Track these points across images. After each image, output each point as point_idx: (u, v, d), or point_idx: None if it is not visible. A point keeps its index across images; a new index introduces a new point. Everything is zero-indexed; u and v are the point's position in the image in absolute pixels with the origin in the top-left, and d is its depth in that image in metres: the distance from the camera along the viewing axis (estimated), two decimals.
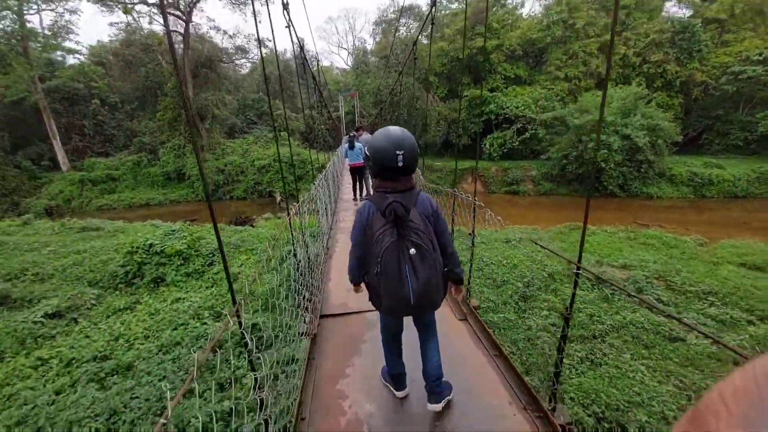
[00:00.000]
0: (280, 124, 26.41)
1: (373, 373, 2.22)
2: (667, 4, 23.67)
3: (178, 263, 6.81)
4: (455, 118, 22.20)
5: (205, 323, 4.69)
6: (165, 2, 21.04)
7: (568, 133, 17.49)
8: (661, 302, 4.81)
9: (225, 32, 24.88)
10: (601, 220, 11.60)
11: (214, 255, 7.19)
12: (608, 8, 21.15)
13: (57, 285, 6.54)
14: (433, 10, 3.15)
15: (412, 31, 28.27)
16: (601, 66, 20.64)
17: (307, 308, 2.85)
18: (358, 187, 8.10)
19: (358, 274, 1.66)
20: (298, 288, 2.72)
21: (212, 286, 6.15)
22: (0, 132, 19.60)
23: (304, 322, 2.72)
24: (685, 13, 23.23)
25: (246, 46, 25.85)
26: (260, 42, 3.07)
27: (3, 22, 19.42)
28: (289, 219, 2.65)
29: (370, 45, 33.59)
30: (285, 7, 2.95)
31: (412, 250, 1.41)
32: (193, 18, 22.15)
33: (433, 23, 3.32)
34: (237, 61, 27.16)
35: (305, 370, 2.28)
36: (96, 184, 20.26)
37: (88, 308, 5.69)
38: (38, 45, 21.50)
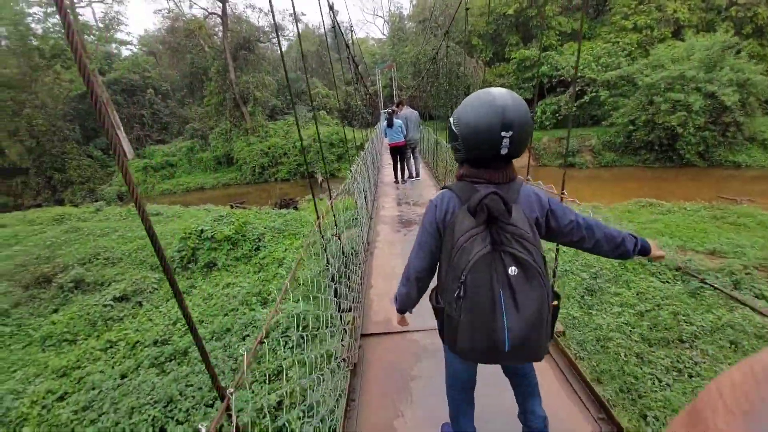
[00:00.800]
0: (319, 102, 26.35)
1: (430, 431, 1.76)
2: None
3: (228, 248, 7.05)
4: (502, 85, 20.44)
5: (253, 309, 4.77)
6: None
7: (637, 94, 15.28)
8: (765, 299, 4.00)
9: (260, 10, 24.76)
10: (674, 194, 10.13)
11: (259, 240, 7.36)
12: None
13: (124, 269, 7.12)
14: None
15: None
16: (680, 10, 17.49)
17: (344, 328, 2.28)
18: (399, 168, 7.49)
19: (415, 296, 1.19)
20: (332, 301, 2.23)
21: (259, 271, 6.28)
22: (71, 124, 21.66)
23: (341, 342, 2.17)
24: None
25: (281, 23, 25.59)
26: (296, 17, 2.73)
27: (56, 17, 20.90)
28: (319, 224, 2.20)
29: (407, 10, 31.67)
30: None
31: (513, 269, 0.92)
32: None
33: None
34: (274, 40, 27.13)
35: (343, 418, 1.81)
36: (157, 170, 21.90)
37: (150, 292, 6.12)
38: (93, 38, 23.00)
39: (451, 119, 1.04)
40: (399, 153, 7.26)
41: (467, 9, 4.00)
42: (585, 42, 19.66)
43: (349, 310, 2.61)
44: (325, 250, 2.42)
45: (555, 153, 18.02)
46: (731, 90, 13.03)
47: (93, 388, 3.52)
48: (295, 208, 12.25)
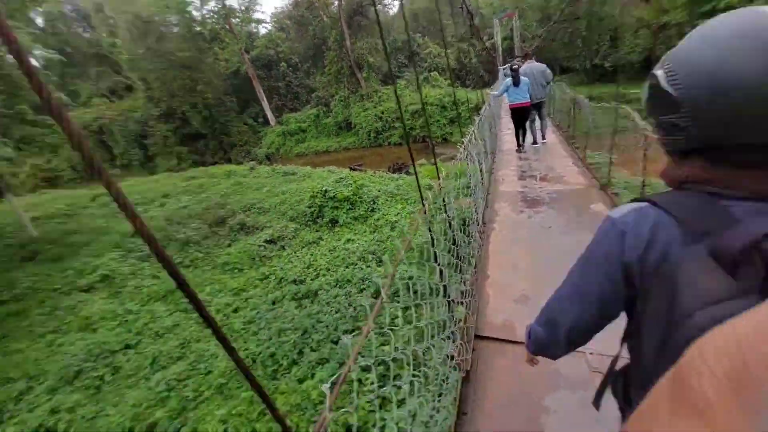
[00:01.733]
0: (431, 63, 25.56)
1: None
2: None
3: (347, 207, 7.94)
4: (664, 23, 15.88)
5: (369, 266, 5.38)
6: None
7: None
8: None
9: None
10: None
11: (374, 202, 8.02)
12: None
13: (272, 217, 8.81)
14: None
15: None
16: None
17: (453, 330, 1.85)
18: (522, 133, 6.74)
19: (559, 352, 0.77)
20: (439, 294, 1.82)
21: (374, 232, 6.94)
22: (230, 97, 26.56)
23: (452, 342, 1.81)
24: None
25: None
26: None
27: (210, 4, 24.87)
28: (425, 209, 1.93)
29: None
30: None
31: None
32: None
33: None
34: (385, 2, 26.91)
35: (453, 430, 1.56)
36: (292, 135, 25.38)
37: (290, 239, 7.47)
38: (238, 20, 26.84)
39: (659, 71, 0.56)
40: (522, 115, 6.43)
41: None
42: None
43: (460, 304, 2.16)
44: (433, 244, 1.91)
45: None
46: None
47: (254, 309, 4.68)
48: (407, 173, 12.71)
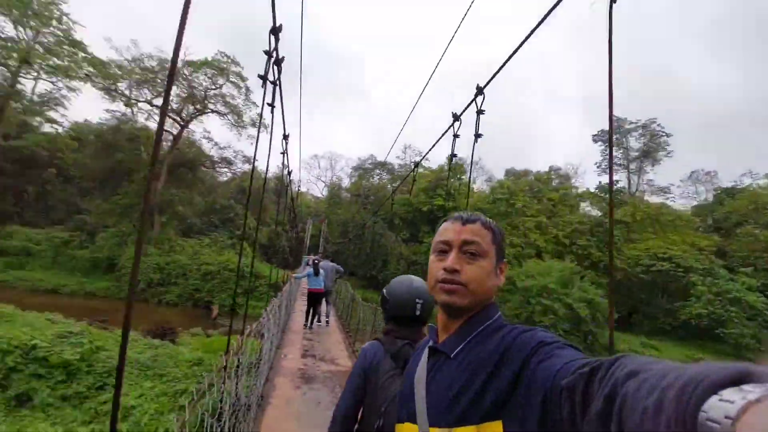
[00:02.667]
0: (246, 233, 26.14)
1: None
2: (582, 204, 30.22)
3: (59, 379, 5.26)
4: (414, 261, 23.41)
5: None
6: (180, 114, 23.31)
7: (518, 294, 18.76)
8: None
9: (216, 144, 26.83)
10: None
11: (109, 375, 5.69)
12: (539, 197, 26.49)
13: None
14: (415, 171, 3.73)
15: (384, 180, 32.67)
16: (539, 239, 24.16)
17: None
18: (312, 313, 7.82)
19: (338, 428, 1.23)
20: None
21: (91, 422, 4.61)
22: None
23: None
24: (597, 213, 29.40)
25: (232, 158, 27.71)
26: (260, 162, 3.31)
27: None
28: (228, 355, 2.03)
29: (345, 183, 37.62)
30: (285, 138, 3.38)
31: None
32: (190, 125, 24.21)
33: (413, 183, 3.85)
34: (219, 169, 28.61)
35: None
36: (6, 254, 17.22)
37: None
38: (20, 106, 21.53)
39: (384, 290, 1.43)
40: (316, 299, 7.77)
41: (392, 201, 5.22)
42: None
43: None
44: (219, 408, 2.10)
45: None
46: (582, 305, 16.92)
47: None
48: (173, 341, 10.14)
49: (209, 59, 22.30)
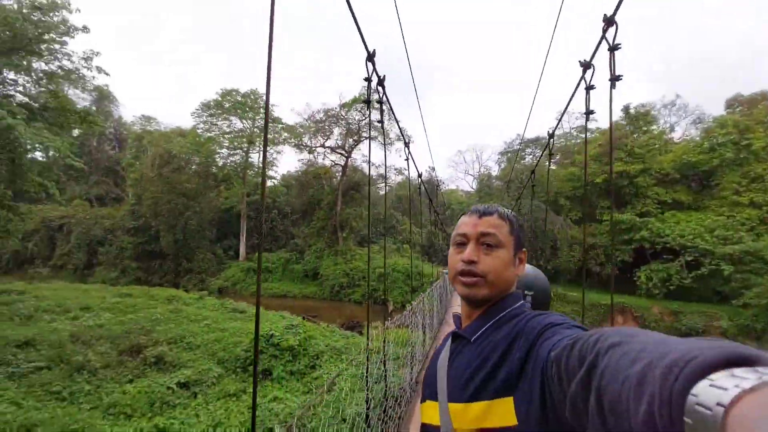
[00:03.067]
0: (404, 237, 28.71)
1: None
2: None
3: (287, 359, 7.17)
4: (593, 244, 19.57)
5: None
6: (344, 148, 28.25)
7: None
8: None
9: (373, 164, 30.81)
10: None
11: (318, 357, 7.35)
12: None
13: (198, 356, 7.66)
14: (551, 141, 3.16)
15: (538, 158, 28.91)
16: None
17: None
18: None
19: None
20: None
21: (308, 392, 6.08)
22: (211, 227, 27.49)
23: None
24: None
25: (388, 173, 31.03)
26: (407, 173, 3.60)
27: (235, 157, 29.59)
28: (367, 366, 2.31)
29: (495, 171, 35.55)
30: (406, 145, 3.49)
31: None
32: (353, 155, 28.70)
33: (550, 155, 3.28)
34: (379, 185, 32.73)
35: None
36: (256, 272, 25.06)
37: (208, 385, 6.33)
38: (253, 173, 31.16)
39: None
40: None
41: (533, 183, 4.55)
42: (692, 212, 18.47)
43: None
44: (367, 402, 2.49)
45: (670, 328, 15.01)
46: None
47: None
48: (360, 333, 12.15)
49: (356, 96, 26.19)
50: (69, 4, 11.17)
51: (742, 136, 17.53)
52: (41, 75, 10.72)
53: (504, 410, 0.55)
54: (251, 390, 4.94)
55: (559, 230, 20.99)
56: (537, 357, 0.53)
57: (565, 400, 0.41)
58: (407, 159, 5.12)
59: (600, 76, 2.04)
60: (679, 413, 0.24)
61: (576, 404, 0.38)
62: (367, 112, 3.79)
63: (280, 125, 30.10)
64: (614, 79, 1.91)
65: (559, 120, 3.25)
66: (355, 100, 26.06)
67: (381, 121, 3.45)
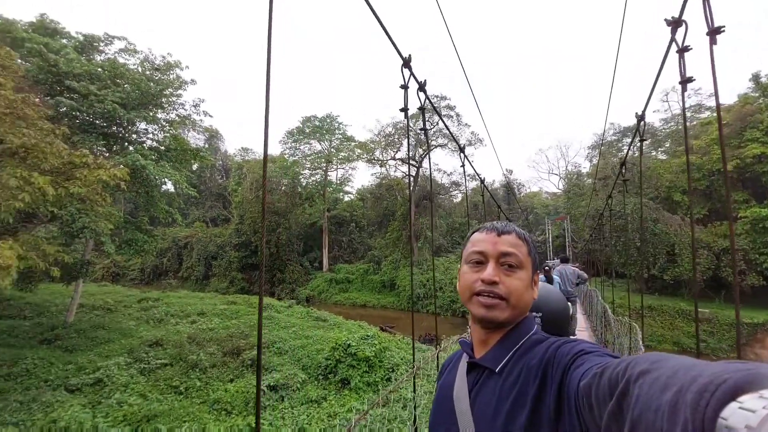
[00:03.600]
0: None
1: None
2: None
3: (364, 369, 7.30)
4: (726, 247, 15.81)
5: None
6: (409, 160, 28.61)
7: None
8: None
9: (444, 172, 30.34)
10: None
11: (393, 370, 7.31)
12: None
13: (286, 361, 8.33)
14: (643, 124, 2.62)
15: (628, 147, 24.74)
16: None
17: None
18: None
19: None
20: None
21: (384, 405, 6.05)
22: (299, 241, 30.15)
23: None
24: None
25: (459, 180, 30.19)
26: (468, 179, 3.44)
27: (316, 176, 32.17)
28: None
29: (585, 168, 31.65)
30: (461, 150, 3.30)
31: None
32: (424, 164, 28.70)
33: (642, 140, 2.72)
34: (451, 193, 32.01)
35: None
36: (338, 283, 26.56)
37: (293, 390, 6.79)
38: (332, 189, 33.48)
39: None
40: None
41: (625, 179, 3.74)
42: None
43: None
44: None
45: None
46: None
47: None
48: (437, 346, 11.77)
49: (422, 105, 26.40)
50: (180, 63, 13.65)
51: None
52: (164, 123, 13.26)
53: None
54: (332, 398, 5.13)
55: (677, 232, 17.50)
56: (569, 387, 0.50)
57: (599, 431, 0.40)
58: (462, 165, 4.84)
59: (696, 32, 1.59)
60: None
61: None
62: (435, 121, 3.69)
63: (353, 143, 31.96)
64: (714, 32, 1.46)
65: (649, 96, 2.67)
66: (418, 115, 26.23)
67: (424, 129, 3.27)
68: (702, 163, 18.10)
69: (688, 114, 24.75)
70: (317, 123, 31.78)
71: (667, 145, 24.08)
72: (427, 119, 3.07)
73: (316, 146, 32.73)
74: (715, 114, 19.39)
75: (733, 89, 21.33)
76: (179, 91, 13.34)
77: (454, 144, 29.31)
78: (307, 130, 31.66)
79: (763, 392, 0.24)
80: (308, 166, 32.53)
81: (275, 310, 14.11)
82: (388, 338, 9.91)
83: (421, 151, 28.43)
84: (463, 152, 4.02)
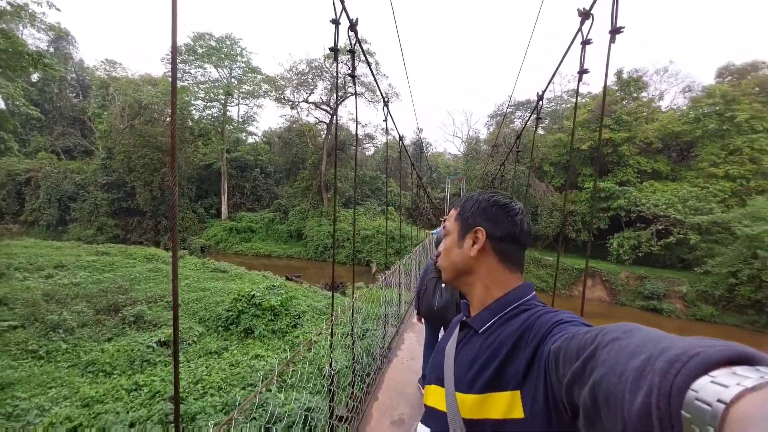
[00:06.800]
0: (390, 199, 28.65)
1: None
2: None
3: (269, 318, 7.28)
4: (573, 210, 20.11)
5: (270, 390, 4.62)
6: (326, 105, 26.92)
7: (737, 245, 13.62)
8: None
9: (359, 122, 29.79)
10: None
11: (299, 317, 7.48)
12: None
13: (179, 315, 7.69)
14: (540, 103, 2.99)
15: (525, 122, 28.55)
16: None
17: None
18: None
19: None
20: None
21: (289, 350, 6.24)
22: (191, 185, 26.60)
23: None
24: None
25: (373, 133, 30.16)
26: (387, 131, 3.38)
27: (212, 110, 27.86)
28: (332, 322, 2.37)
29: (483, 135, 35.15)
30: (385, 103, 3.29)
31: (443, 284, 2.77)
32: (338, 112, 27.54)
33: (538, 116, 3.13)
34: (364, 145, 31.83)
35: None
36: (239, 232, 24.83)
37: (189, 344, 6.41)
38: (232, 127, 29.61)
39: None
40: None
41: (519, 150, 4.40)
42: (668, 183, 19.00)
43: (344, 420, 2.51)
44: (331, 365, 2.56)
45: (635, 292, 16.04)
46: None
47: (103, 429, 3.58)
48: (343, 293, 12.43)
49: (342, 47, 24.49)
50: None
51: (727, 107, 17.61)
52: None
53: (511, 403, 0.56)
54: (234, 348, 4.99)
55: (542, 196, 21.35)
56: (542, 353, 0.54)
57: (562, 392, 0.42)
58: (385, 120, 4.85)
59: (599, 28, 1.83)
60: (677, 407, 0.24)
61: (572, 395, 0.39)
62: (352, 64, 3.48)
63: (259, 76, 28.14)
64: (615, 31, 1.70)
65: (550, 79, 3.02)
66: (340, 51, 24.46)
67: (353, 74, 3.13)
68: (566, 141, 21.98)
69: (565, 96, 29.15)
70: (213, 43, 26.74)
71: (546, 122, 28.21)
72: (347, 63, 2.90)
73: (213, 73, 27.81)
74: (586, 100, 23.31)
75: (600, 81, 25.58)
76: None
77: (371, 94, 28.68)
78: (200, 50, 26.40)
79: (735, 369, 0.24)
80: (201, 95, 27.62)
81: (162, 261, 12.57)
82: (295, 287, 9.97)
83: (335, 96, 26.99)
84: (387, 106, 3.98)
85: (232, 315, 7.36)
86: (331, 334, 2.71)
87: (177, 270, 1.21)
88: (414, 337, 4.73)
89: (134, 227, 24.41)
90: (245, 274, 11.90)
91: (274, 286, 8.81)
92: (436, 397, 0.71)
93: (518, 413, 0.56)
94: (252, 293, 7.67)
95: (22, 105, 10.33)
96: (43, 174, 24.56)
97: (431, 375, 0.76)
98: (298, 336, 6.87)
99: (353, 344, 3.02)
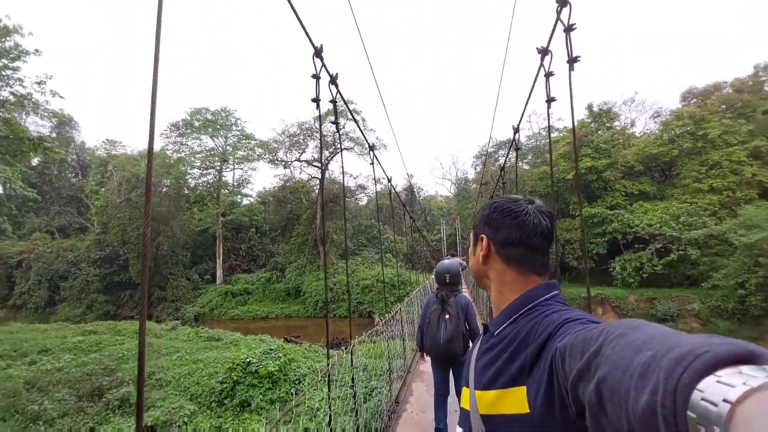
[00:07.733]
0: (387, 246, 28.51)
1: None
2: None
3: (267, 386, 6.75)
4: (569, 239, 20.06)
5: None
6: (317, 162, 27.87)
7: (737, 255, 13.48)
8: None
9: (350, 174, 30.58)
10: None
11: (299, 382, 6.96)
12: (746, 113, 18.61)
13: (169, 394, 7.10)
14: (517, 135, 3.09)
15: (506, 155, 29.67)
16: (760, 173, 16.87)
17: None
18: None
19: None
20: None
21: (289, 422, 5.68)
22: (185, 251, 26.32)
23: None
24: None
25: (365, 183, 30.89)
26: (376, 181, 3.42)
27: (208, 177, 28.67)
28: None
29: (471, 175, 36.28)
30: (371, 148, 3.37)
31: (446, 316, 2.77)
32: (329, 167, 28.35)
33: (517, 149, 3.22)
34: (357, 196, 32.44)
35: None
36: (235, 296, 24.11)
37: (179, 426, 5.82)
38: (227, 191, 30.20)
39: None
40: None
41: (504, 182, 4.51)
42: (657, 202, 19.30)
43: None
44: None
45: (647, 315, 15.43)
46: None
47: None
48: (345, 349, 11.75)
49: (329, 109, 26.13)
50: (21, 28, 10.57)
51: (697, 126, 18.58)
52: None
53: (517, 398, 0.58)
54: (228, 425, 4.53)
55: None
56: (549, 350, 0.54)
57: (568, 389, 0.42)
58: (372, 163, 4.94)
59: (559, 60, 1.95)
60: (683, 406, 0.24)
61: (577, 392, 0.39)
62: (342, 123, 3.57)
63: (253, 141, 29.49)
64: (572, 60, 1.80)
65: (523, 111, 3.17)
66: (328, 112, 25.97)
67: (335, 122, 3.19)
68: (553, 173, 22.66)
69: (543, 133, 30.68)
70: (209, 116, 28.35)
71: (530, 158, 29.31)
72: (334, 118, 2.99)
73: (208, 143, 29.19)
74: (563, 134, 24.51)
75: (576, 114, 27.28)
76: (16, 63, 10.27)
77: (360, 147, 29.86)
78: (197, 124, 27.90)
79: (742, 368, 0.23)
80: (198, 164, 28.65)
81: (154, 334, 11.95)
82: (294, 348, 9.42)
83: (327, 153, 28.07)
84: (373, 150, 4.09)
85: (226, 387, 6.82)
86: (330, 407, 2.48)
87: (144, 323, 1.09)
88: (423, 387, 4.41)
89: (126, 301, 23.65)
90: (241, 340, 11.29)
91: (271, 350, 8.31)
92: (465, 397, 0.74)
93: (524, 409, 0.57)
94: (248, 360, 7.19)
95: (20, 188, 10.49)
96: (36, 255, 24.29)
97: (464, 378, 0.80)
98: (299, 405, 6.32)
99: (356, 414, 2.81)
